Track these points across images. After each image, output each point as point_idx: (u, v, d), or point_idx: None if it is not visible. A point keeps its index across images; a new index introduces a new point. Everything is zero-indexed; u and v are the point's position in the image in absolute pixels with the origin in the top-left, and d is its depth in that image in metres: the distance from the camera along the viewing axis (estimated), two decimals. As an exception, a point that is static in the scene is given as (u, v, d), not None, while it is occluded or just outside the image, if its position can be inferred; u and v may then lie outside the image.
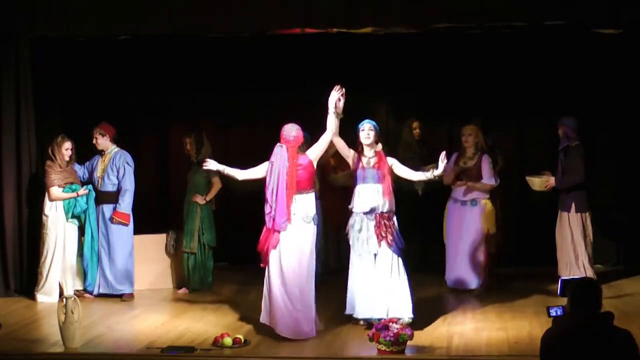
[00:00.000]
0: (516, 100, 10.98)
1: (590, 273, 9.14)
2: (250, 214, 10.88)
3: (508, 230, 10.41)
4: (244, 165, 10.86)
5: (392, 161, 8.12)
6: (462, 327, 8.05)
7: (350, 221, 8.08)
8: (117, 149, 9.62)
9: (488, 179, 9.58)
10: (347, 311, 8.19)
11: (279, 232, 7.70)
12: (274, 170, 7.81)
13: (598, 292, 4.64)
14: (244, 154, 10.54)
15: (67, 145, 9.44)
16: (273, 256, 7.74)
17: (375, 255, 7.96)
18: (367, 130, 8.09)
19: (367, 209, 7.95)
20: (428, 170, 8.14)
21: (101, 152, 9.62)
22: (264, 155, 9.88)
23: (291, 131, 7.92)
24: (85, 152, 9.77)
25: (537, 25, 9.37)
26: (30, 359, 7.42)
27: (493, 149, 10.23)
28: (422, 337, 7.54)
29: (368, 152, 8.08)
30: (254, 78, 11.10)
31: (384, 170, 8.00)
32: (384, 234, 7.92)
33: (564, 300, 4.77)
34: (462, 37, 10.45)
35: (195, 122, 10.90)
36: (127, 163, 9.53)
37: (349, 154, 8.11)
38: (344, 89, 7.83)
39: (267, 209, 7.76)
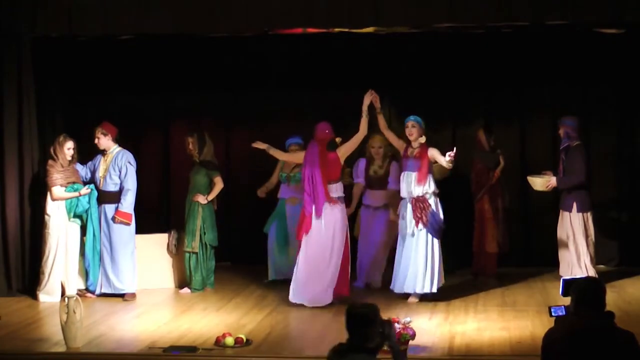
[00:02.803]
0: (518, 101, 10.97)
1: (592, 273, 9.14)
2: (251, 214, 10.92)
3: (510, 230, 10.41)
4: (245, 165, 10.91)
5: (432, 152, 9.01)
6: (464, 326, 8.05)
7: (399, 207, 9.14)
8: (119, 148, 9.62)
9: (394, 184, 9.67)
10: (391, 287, 9.16)
11: (319, 216, 8.93)
12: (307, 163, 9.04)
13: (602, 292, 4.63)
14: (246, 153, 10.55)
15: (69, 144, 9.44)
16: (309, 237, 8.97)
17: (412, 235, 8.94)
18: (410, 128, 9.09)
19: (406, 195, 9.01)
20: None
21: (103, 152, 9.62)
22: (264, 154, 9.94)
23: (321, 130, 9.12)
24: (87, 152, 9.77)
25: (539, 25, 9.37)
26: (32, 358, 7.43)
27: (495, 149, 10.24)
28: (424, 336, 7.54)
29: (414, 143, 9.08)
30: (255, 77, 11.09)
31: (423, 160, 8.95)
32: (419, 215, 8.90)
33: (566, 300, 4.77)
34: (464, 37, 10.44)
35: (197, 121, 10.90)
36: (129, 163, 9.53)
37: (399, 144, 9.19)
38: (374, 92, 9.05)
39: (306, 197, 9.02)
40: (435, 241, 8.96)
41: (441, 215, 9.00)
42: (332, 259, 8.95)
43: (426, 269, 8.90)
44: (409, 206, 8.96)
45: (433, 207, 8.95)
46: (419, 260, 8.91)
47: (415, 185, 8.94)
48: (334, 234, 8.97)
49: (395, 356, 4.77)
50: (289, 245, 10.00)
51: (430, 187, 8.98)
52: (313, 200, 8.98)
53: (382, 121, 9.16)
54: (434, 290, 8.95)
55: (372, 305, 4.72)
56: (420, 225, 8.90)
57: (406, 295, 9.02)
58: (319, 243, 8.96)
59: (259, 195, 10.18)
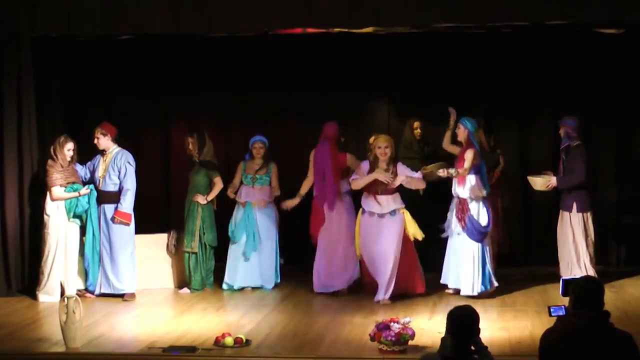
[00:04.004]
0: (518, 101, 10.97)
1: (591, 273, 9.13)
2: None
3: (510, 230, 10.41)
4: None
5: (468, 154, 9.10)
6: (463, 326, 8.03)
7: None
8: (118, 148, 9.62)
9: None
10: (442, 280, 9.43)
11: (331, 209, 9.39)
12: (317, 160, 9.44)
13: (601, 292, 4.62)
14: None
15: (70, 145, 9.44)
16: (325, 231, 9.47)
17: (458, 234, 9.19)
18: (457, 129, 9.29)
19: (454, 195, 9.20)
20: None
21: (102, 152, 9.61)
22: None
23: (332, 128, 9.47)
24: (87, 152, 9.76)
25: (539, 25, 9.37)
26: (31, 358, 7.42)
27: (495, 149, 10.23)
28: (424, 336, 7.54)
29: (464, 146, 9.23)
30: (255, 77, 11.08)
31: (461, 162, 9.10)
32: (459, 217, 9.12)
33: (566, 300, 4.77)
34: (464, 37, 10.44)
35: (197, 121, 10.89)
36: (129, 163, 9.53)
37: (458, 151, 9.36)
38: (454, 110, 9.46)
39: (317, 193, 9.48)
40: (477, 245, 9.09)
41: (482, 220, 9.06)
42: (347, 248, 9.42)
43: (472, 270, 9.09)
44: (455, 206, 9.21)
45: (473, 211, 9.06)
46: (462, 260, 9.13)
47: (457, 186, 9.14)
48: (342, 225, 9.45)
49: (479, 352, 4.69)
50: (257, 250, 9.81)
51: (467, 191, 9.07)
52: (324, 195, 9.37)
53: (447, 138, 9.45)
54: (474, 293, 9.07)
55: (469, 306, 4.75)
56: (461, 227, 9.15)
57: (457, 290, 9.28)
58: (334, 235, 9.44)
59: (230, 196, 9.90)
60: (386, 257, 9.08)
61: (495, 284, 9.24)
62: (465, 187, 9.10)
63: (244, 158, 10.06)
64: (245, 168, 9.94)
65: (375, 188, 9.14)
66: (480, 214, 9.10)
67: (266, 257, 9.83)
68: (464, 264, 9.14)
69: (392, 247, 9.07)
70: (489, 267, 9.18)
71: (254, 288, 9.81)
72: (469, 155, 9.09)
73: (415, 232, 9.20)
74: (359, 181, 9.17)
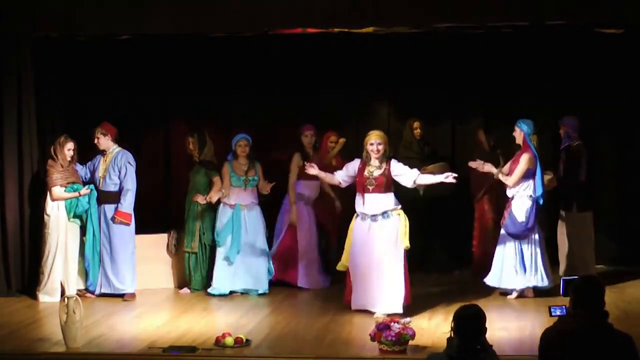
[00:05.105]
0: (518, 100, 10.97)
1: (591, 273, 9.14)
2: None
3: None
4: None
5: (523, 158, 8.98)
6: (463, 326, 8.02)
7: None
8: (118, 148, 9.62)
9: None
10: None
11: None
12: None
13: (601, 292, 4.63)
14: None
15: (70, 145, 9.44)
16: None
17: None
18: (514, 132, 9.19)
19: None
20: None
21: (103, 152, 9.61)
22: (263, 154, 9.91)
23: (315, 132, 9.93)
24: (87, 152, 9.77)
25: (539, 25, 9.38)
26: (31, 358, 7.43)
27: (494, 149, 10.24)
28: (424, 336, 7.54)
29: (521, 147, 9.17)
30: (255, 78, 11.09)
31: (514, 164, 9.05)
32: (503, 214, 9.14)
33: (566, 300, 4.77)
34: (464, 37, 10.45)
35: (196, 121, 10.89)
36: (129, 163, 9.53)
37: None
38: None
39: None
40: (515, 243, 8.99)
41: (520, 218, 8.92)
42: None
43: (515, 266, 9.04)
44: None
45: (514, 208, 8.97)
46: (503, 257, 9.10)
47: (508, 188, 9.07)
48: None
49: (486, 351, 4.70)
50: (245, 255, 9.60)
51: (514, 189, 9.01)
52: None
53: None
54: (512, 286, 9.09)
55: (476, 305, 4.75)
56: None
57: (505, 292, 9.21)
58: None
59: (220, 199, 9.60)
60: (379, 268, 8.37)
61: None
62: (515, 187, 9.02)
63: (226, 159, 9.74)
64: (233, 169, 9.68)
65: (365, 185, 8.44)
66: (522, 212, 8.95)
67: (257, 259, 9.63)
68: (499, 257, 9.16)
69: (384, 256, 8.35)
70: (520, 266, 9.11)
71: (243, 292, 9.59)
72: (523, 160, 8.97)
73: (404, 239, 8.36)
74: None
